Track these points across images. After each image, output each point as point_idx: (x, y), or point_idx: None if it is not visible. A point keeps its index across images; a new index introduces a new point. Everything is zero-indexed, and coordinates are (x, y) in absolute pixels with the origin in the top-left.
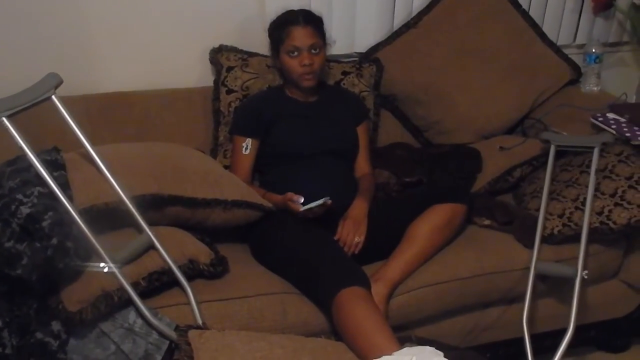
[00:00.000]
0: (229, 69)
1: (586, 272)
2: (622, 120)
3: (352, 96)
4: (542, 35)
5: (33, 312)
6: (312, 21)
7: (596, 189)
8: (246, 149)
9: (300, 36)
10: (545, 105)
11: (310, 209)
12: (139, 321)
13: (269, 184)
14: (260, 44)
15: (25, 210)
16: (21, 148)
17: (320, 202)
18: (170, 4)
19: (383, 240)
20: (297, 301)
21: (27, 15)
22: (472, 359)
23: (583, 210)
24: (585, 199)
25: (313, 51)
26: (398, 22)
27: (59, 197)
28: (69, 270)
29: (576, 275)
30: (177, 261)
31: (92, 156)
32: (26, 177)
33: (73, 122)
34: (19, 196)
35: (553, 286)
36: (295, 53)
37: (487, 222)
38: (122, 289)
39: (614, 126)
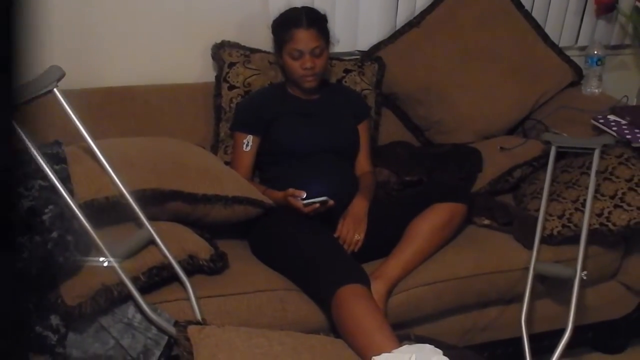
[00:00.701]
0: (231, 65)
1: (585, 273)
2: (623, 122)
3: (353, 94)
4: (545, 37)
5: (32, 306)
6: (315, 22)
7: (596, 191)
8: (247, 145)
9: (303, 39)
10: (547, 106)
11: (311, 204)
12: (138, 316)
13: (269, 181)
14: (262, 40)
15: (26, 203)
16: (23, 141)
17: (322, 199)
18: None
19: (383, 239)
20: (296, 298)
21: None
22: (470, 358)
23: (583, 212)
24: (585, 200)
25: (315, 53)
26: (401, 20)
27: (60, 191)
28: (69, 264)
29: (575, 276)
30: (176, 256)
31: (94, 150)
32: (27, 170)
33: (75, 115)
34: (20, 189)
35: (552, 287)
36: (298, 55)
37: (486, 222)
38: (121, 283)
39: (614, 128)
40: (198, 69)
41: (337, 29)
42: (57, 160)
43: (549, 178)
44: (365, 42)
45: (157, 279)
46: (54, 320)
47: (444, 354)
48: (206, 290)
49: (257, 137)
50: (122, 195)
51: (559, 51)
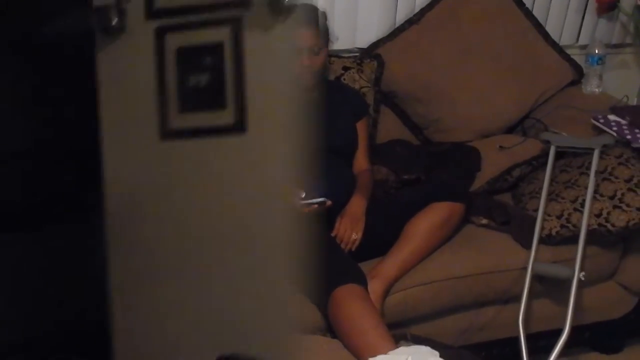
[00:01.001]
0: None
1: (583, 273)
2: (623, 122)
3: (352, 92)
4: (545, 35)
5: None
6: (314, 20)
7: (595, 191)
8: None
9: (300, 37)
10: (546, 105)
11: (309, 204)
12: None
13: None
14: None
15: None
16: None
17: (320, 199)
18: None
19: (380, 238)
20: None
21: None
22: (467, 358)
23: (582, 212)
24: (584, 200)
25: (314, 52)
26: (400, 18)
27: None
28: None
29: (573, 277)
30: None
31: None
32: None
33: None
34: None
35: (549, 287)
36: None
37: (485, 221)
38: None
39: (614, 128)
40: None
41: (336, 26)
42: None
43: (548, 178)
44: (364, 40)
45: None
46: None
47: (441, 354)
48: None
49: None
50: None
51: (560, 50)
